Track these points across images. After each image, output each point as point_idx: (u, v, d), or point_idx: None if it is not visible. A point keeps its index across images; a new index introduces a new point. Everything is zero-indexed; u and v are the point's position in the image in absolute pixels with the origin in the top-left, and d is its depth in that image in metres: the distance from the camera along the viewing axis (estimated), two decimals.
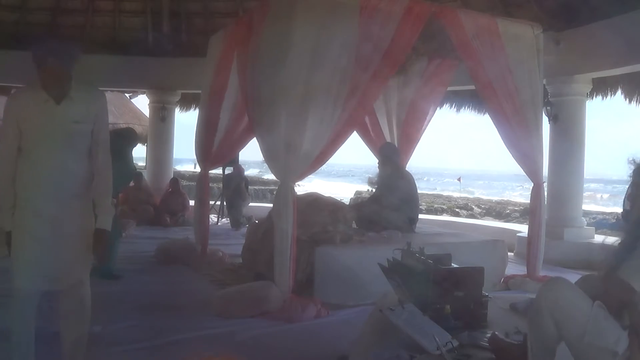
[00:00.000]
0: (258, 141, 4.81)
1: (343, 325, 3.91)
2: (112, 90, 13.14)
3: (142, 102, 13.98)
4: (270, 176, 15.78)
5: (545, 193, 5.70)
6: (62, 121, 2.54)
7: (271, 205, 6.17)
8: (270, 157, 4.54)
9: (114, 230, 5.15)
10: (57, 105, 2.54)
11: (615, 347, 1.91)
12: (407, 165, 6.84)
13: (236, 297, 4.22)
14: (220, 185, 10.96)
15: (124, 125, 14.38)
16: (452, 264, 2.84)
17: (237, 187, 9.32)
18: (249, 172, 20.14)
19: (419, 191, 6.30)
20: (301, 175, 4.52)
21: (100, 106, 2.70)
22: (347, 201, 9.54)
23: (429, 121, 6.94)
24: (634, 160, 2.20)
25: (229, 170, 9.82)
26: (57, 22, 9.32)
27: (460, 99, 8.97)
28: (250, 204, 9.74)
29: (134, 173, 5.73)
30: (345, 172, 52.37)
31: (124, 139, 5.56)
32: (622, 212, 2.42)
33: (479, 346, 2.32)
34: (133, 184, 9.45)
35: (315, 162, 4.44)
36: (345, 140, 4.61)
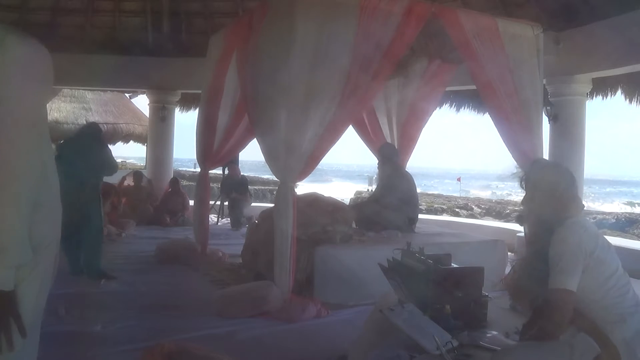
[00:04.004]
0: (258, 141, 4.81)
1: (343, 325, 3.91)
2: (112, 90, 13.18)
3: (142, 102, 13.99)
4: (270, 176, 15.78)
5: None
6: None
7: (271, 205, 6.17)
8: (270, 157, 4.53)
9: (97, 226, 5.17)
10: None
11: None
12: (407, 165, 6.84)
13: (236, 297, 4.22)
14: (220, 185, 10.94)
15: (124, 125, 14.42)
16: (452, 264, 2.84)
17: (237, 189, 9.30)
18: (249, 173, 20.14)
19: (418, 191, 6.30)
20: (301, 175, 4.51)
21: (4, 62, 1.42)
22: (347, 201, 9.54)
23: (427, 121, 6.96)
24: (520, 170, 2.26)
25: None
26: (57, 22, 9.32)
27: (460, 99, 8.99)
28: (252, 204, 9.73)
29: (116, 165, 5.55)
30: (345, 173, 52.38)
31: (97, 130, 5.51)
32: (516, 217, 2.43)
33: (479, 346, 2.32)
34: (133, 183, 9.48)
35: (314, 161, 4.43)
36: (341, 136, 4.54)
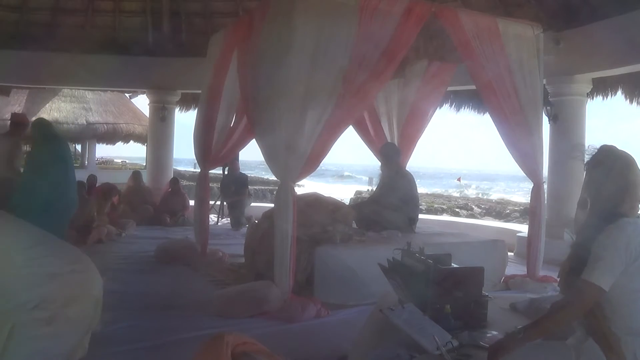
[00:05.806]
0: (257, 141, 4.81)
1: (343, 325, 3.91)
2: (112, 90, 13.19)
3: (142, 102, 14.01)
4: (270, 176, 15.76)
5: (545, 193, 5.70)
6: None
7: (271, 205, 6.17)
8: (270, 157, 4.53)
9: None
10: None
11: None
12: (407, 165, 6.84)
13: (236, 297, 4.22)
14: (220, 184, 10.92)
15: (124, 125, 14.41)
16: (452, 264, 2.84)
17: (237, 188, 9.29)
18: (250, 172, 20.13)
19: (418, 191, 6.31)
20: (301, 175, 4.51)
21: None
22: (347, 201, 9.54)
23: (429, 121, 6.96)
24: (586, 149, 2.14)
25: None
26: (57, 22, 9.31)
27: (460, 99, 8.99)
28: (251, 204, 9.72)
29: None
30: (345, 173, 52.30)
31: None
32: (578, 201, 2.27)
33: (479, 346, 2.32)
34: (132, 183, 9.47)
35: (314, 160, 4.43)
36: (340, 135, 4.52)
